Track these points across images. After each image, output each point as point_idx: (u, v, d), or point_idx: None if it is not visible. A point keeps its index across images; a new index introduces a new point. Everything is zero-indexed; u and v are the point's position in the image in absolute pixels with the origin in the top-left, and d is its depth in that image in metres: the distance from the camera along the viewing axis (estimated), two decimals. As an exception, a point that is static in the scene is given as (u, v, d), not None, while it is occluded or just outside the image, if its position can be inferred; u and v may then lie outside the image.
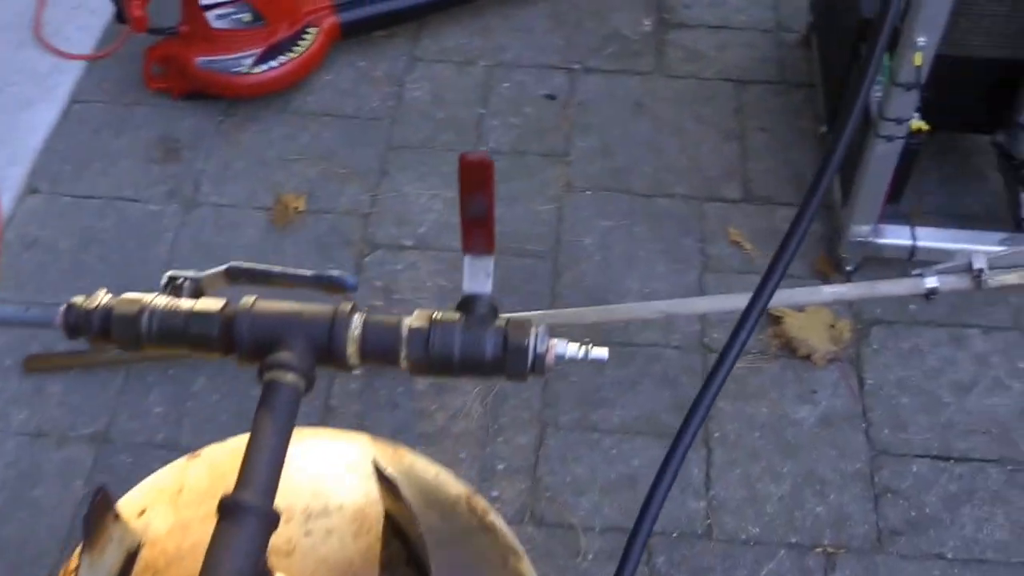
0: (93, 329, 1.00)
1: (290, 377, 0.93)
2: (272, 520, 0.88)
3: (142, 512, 1.18)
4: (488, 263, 1.00)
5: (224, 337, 0.98)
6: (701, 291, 2.82)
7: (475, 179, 0.95)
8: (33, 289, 2.83)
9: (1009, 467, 2.53)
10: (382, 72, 3.37)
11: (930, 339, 2.73)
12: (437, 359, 0.96)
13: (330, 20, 3.27)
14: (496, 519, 1.25)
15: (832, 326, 2.72)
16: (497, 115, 3.26)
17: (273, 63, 3.15)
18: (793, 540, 2.43)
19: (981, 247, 2.65)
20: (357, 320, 0.97)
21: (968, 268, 2.43)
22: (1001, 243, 2.67)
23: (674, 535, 2.41)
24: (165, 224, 2.98)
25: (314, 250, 2.90)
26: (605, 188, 3.05)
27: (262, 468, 0.89)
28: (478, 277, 1.00)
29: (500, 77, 3.37)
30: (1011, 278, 2.43)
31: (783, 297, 2.48)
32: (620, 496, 2.48)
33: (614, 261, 2.88)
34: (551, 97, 3.31)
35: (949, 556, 2.41)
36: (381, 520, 1.17)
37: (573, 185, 3.05)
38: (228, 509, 0.86)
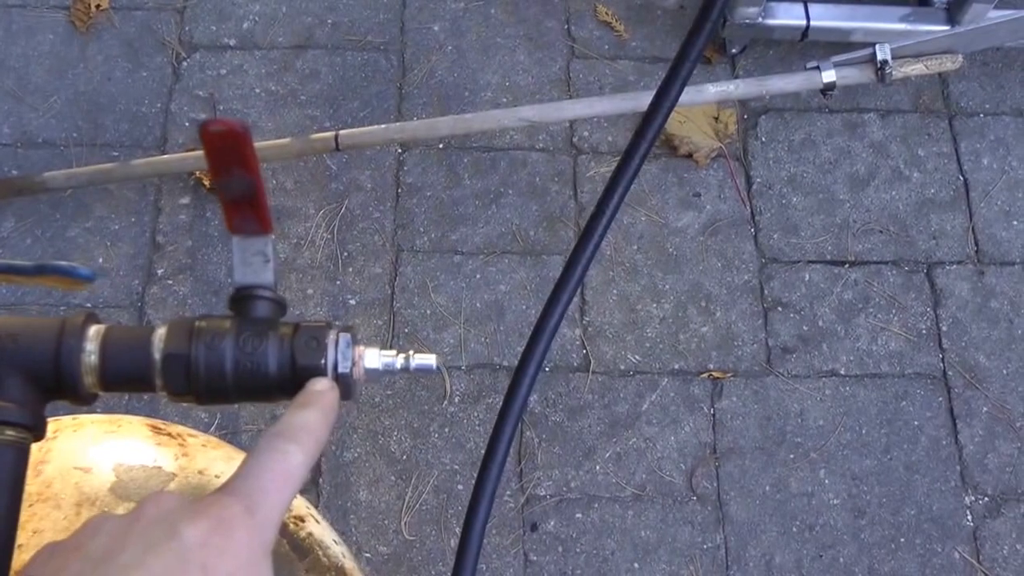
0: None
1: (9, 435, 0.66)
2: None
3: None
4: (265, 244, 0.72)
5: None
6: (568, 82, 2.49)
7: (227, 154, 0.67)
8: None
9: (906, 268, 2.33)
10: None
11: (824, 128, 2.47)
12: (204, 386, 0.69)
13: None
14: (319, 531, 0.99)
15: (716, 118, 2.43)
16: None
17: None
18: (677, 366, 2.22)
19: (881, 25, 2.38)
20: (93, 340, 0.69)
21: (870, 59, 2.15)
22: (903, 20, 2.37)
23: (547, 369, 2.19)
24: (-60, 32, 2.53)
25: (123, 56, 2.49)
26: (456, -37, 2.65)
27: None
28: (253, 264, 0.72)
29: None
30: (917, 68, 2.17)
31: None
32: (486, 328, 2.23)
33: (468, 51, 2.52)
34: None
35: (842, 372, 2.24)
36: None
37: (419, -39, 2.64)
38: None
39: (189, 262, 2.28)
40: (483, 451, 2.13)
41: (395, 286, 2.26)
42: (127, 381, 0.69)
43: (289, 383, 0.69)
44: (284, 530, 0.98)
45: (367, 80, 2.46)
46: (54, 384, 0.68)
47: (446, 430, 2.15)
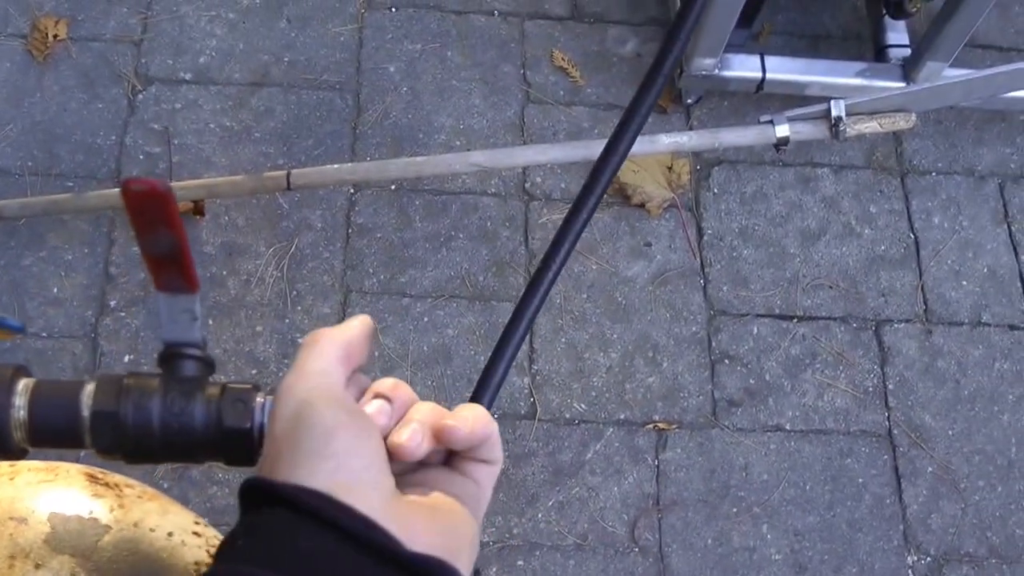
0: None
1: None
2: None
3: None
4: (192, 302, 0.70)
5: None
6: (523, 127, 2.49)
7: (150, 214, 0.65)
8: None
9: (854, 324, 2.34)
10: None
11: (776, 181, 2.48)
12: (133, 444, 0.68)
13: None
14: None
15: (669, 168, 2.44)
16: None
17: None
18: (622, 416, 2.21)
19: (837, 80, 2.40)
20: (22, 395, 0.67)
21: (825, 115, 2.16)
22: (859, 75, 2.39)
23: (495, 416, 2.17)
24: None
25: (80, 87, 2.47)
26: (412, 4, 2.63)
27: None
28: (180, 321, 0.71)
29: None
30: (871, 126, 2.17)
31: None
32: (433, 372, 2.22)
33: (423, 93, 2.52)
34: None
35: (787, 427, 2.23)
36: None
37: (375, 1, 2.63)
38: None
39: (142, 294, 2.26)
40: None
41: (342, 327, 2.24)
42: (56, 437, 0.68)
43: (215, 444, 0.68)
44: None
45: (322, 119, 2.46)
46: None
47: (388, 474, 2.13)
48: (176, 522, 1.01)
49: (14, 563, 0.91)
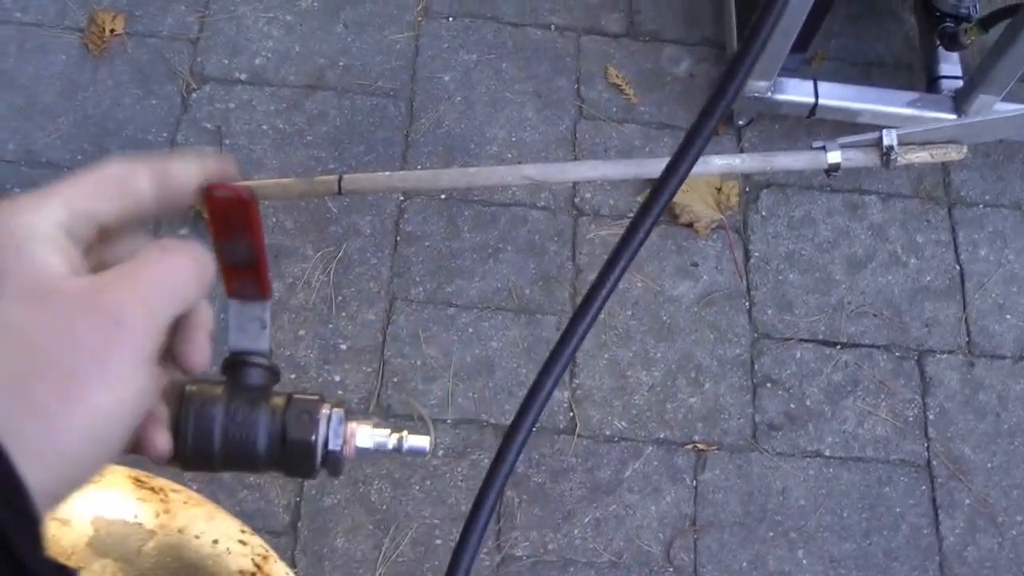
0: None
1: None
2: None
3: None
4: (263, 310, 0.70)
5: None
6: (574, 142, 2.50)
7: (231, 221, 0.64)
8: None
9: (897, 353, 2.34)
10: None
11: (824, 206, 2.48)
12: (191, 452, 0.66)
13: None
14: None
15: (718, 189, 2.44)
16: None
17: None
18: (662, 436, 2.22)
19: (888, 108, 2.40)
20: None
21: (877, 143, 2.15)
22: (910, 105, 2.39)
23: (533, 429, 2.17)
24: (-44, 46, 2.52)
25: (134, 82, 2.49)
26: (469, 14, 2.65)
27: None
28: (248, 330, 0.69)
29: None
30: (922, 156, 2.16)
31: (662, 166, 2.17)
32: (476, 383, 2.23)
33: (477, 103, 2.53)
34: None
35: (827, 453, 2.23)
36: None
37: (432, 10, 2.65)
38: None
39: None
40: (464, 507, 2.12)
41: (387, 334, 2.26)
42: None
43: (277, 456, 0.67)
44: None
45: (374, 125, 2.47)
46: None
47: (428, 483, 2.14)
48: (222, 529, 1.01)
49: None
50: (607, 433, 2.21)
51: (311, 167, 2.41)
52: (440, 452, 2.16)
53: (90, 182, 0.55)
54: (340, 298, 2.29)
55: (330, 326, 2.26)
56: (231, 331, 0.68)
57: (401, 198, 2.39)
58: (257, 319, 0.69)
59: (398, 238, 2.35)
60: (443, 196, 2.40)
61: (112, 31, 2.54)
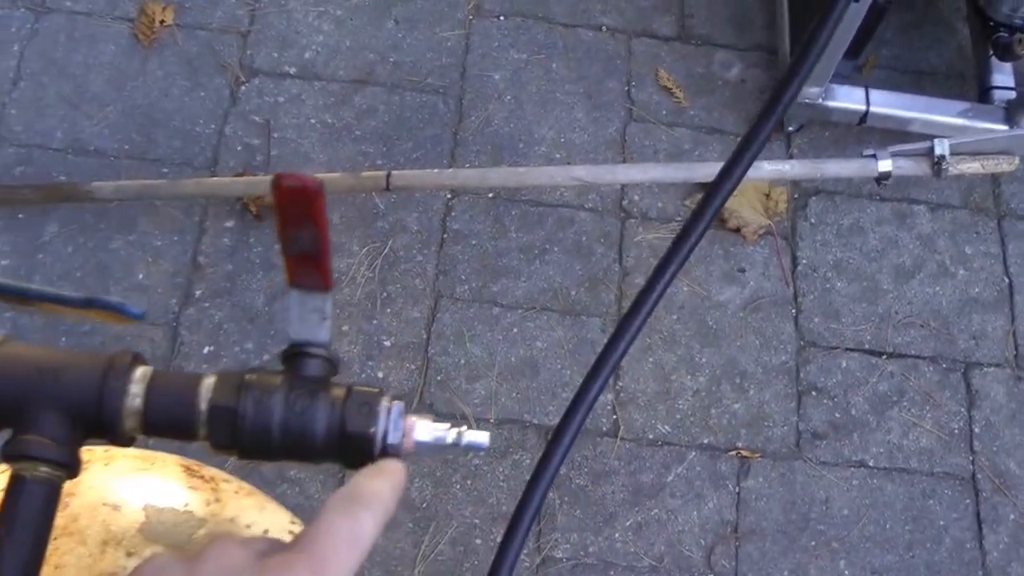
0: None
1: (42, 471, 0.64)
2: None
3: None
4: (324, 302, 0.70)
5: None
6: (623, 144, 2.49)
7: (298, 210, 0.64)
8: None
9: (944, 365, 2.32)
10: None
11: (873, 215, 2.46)
12: (249, 441, 0.67)
13: None
14: None
15: (767, 195, 2.43)
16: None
17: None
18: (706, 441, 2.21)
19: (939, 118, 2.38)
20: (139, 383, 0.67)
21: (928, 153, 2.15)
22: (961, 115, 2.38)
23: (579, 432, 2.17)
24: (12, 33, 2.53)
25: (183, 74, 2.50)
26: (520, 13, 2.64)
27: None
28: (309, 320, 0.70)
29: None
30: (973, 167, 2.16)
31: (712, 170, 2.17)
32: (519, 383, 2.22)
33: (527, 103, 2.53)
34: None
35: (871, 464, 2.22)
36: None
37: (484, 8, 2.64)
38: None
39: (228, 286, 2.28)
40: (505, 507, 2.11)
41: (431, 332, 2.25)
42: (169, 428, 0.68)
43: (335, 447, 0.67)
44: None
45: (423, 122, 2.47)
46: (93, 424, 0.67)
47: (469, 482, 2.14)
48: (273, 520, 1.01)
49: (106, 549, 0.91)
50: (650, 437, 2.20)
51: (358, 162, 2.41)
52: (482, 451, 2.15)
53: None
54: (385, 294, 2.28)
55: (374, 322, 2.26)
56: (291, 322, 0.69)
57: (448, 196, 2.39)
58: (318, 310, 0.69)
59: (445, 236, 2.35)
60: (491, 195, 2.39)
61: (162, 22, 2.55)
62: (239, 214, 2.34)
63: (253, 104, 2.47)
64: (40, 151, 2.40)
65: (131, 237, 2.32)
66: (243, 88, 2.49)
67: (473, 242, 2.35)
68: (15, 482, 0.64)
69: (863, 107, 2.39)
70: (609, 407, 2.21)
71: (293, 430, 0.66)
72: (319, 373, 0.69)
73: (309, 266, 0.67)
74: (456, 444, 0.70)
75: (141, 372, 0.67)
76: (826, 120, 2.47)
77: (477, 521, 2.11)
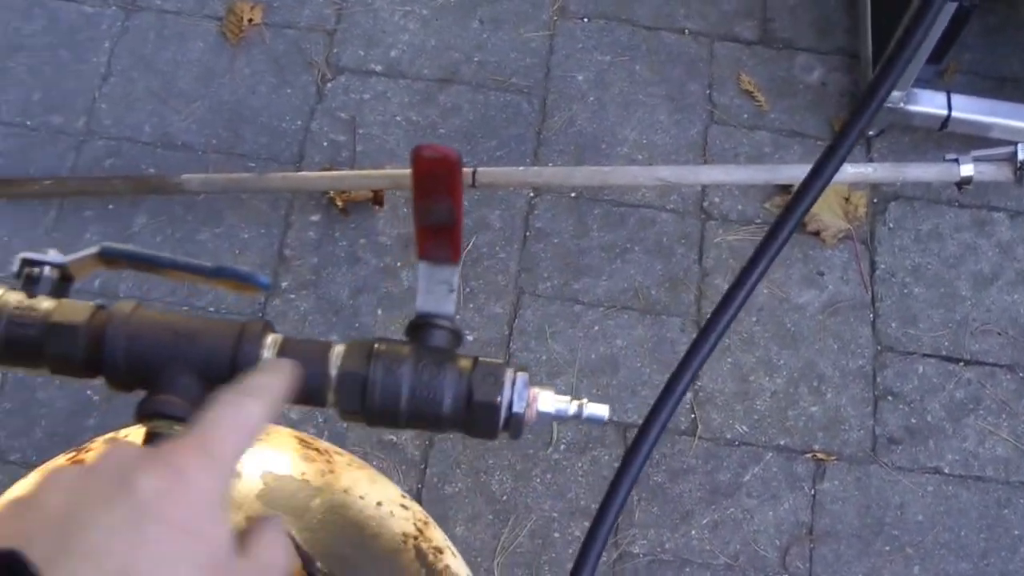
0: None
1: (176, 431, 0.68)
2: None
3: None
4: (451, 274, 0.73)
5: (91, 360, 0.70)
6: (705, 146, 2.51)
7: (435, 181, 0.67)
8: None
9: (1021, 374, 2.33)
10: None
11: (952, 221, 2.47)
12: (378, 410, 0.70)
13: None
14: (456, 565, 1.01)
15: (847, 199, 2.44)
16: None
17: None
18: (783, 442, 2.23)
19: (1021, 124, 2.39)
20: (271, 348, 0.71)
21: (1011, 158, 2.14)
22: (1046, 123, 2.38)
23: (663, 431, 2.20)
24: (103, 31, 2.59)
25: (270, 71, 2.55)
26: (604, 16, 2.67)
27: None
28: (437, 292, 0.73)
29: None
30: (1059, 175, 2.15)
31: (795, 172, 2.19)
32: (599, 381, 2.26)
33: (610, 104, 2.56)
34: None
35: (946, 470, 2.23)
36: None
37: (568, 10, 2.67)
38: None
39: (313, 279, 2.33)
40: (583, 502, 2.15)
41: (514, 328, 2.29)
42: (300, 394, 0.70)
43: (461, 416, 0.70)
44: (423, 559, 1.00)
45: (507, 121, 2.50)
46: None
47: (548, 476, 2.17)
48: (385, 493, 1.04)
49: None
50: (728, 436, 2.23)
51: (443, 160, 2.44)
52: (562, 447, 2.19)
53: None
54: (468, 290, 2.33)
55: (457, 317, 2.28)
56: (420, 294, 0.72)
57: (531, 194, 2.42)
58: (445, 282, 0.72)
59: (527, 233, 2.39)
60: (573, 194, 2.43)
61: (250, 20, 2.60)
62: (325, 208, 2.39)
63: (339, 101, 2.51)
64: (129, 144, 2.46)
65: (218, 229, 2.37)
66: (329, 85, 2.54)
67: (555, 240, 2.38)
68: (149, 440, 0.67)
69: (945, 112, 2.39)
70: (688, 406, 2.24)
71: (421, 398, 0.69)
72: (444, 344, 0.72)
73: (441, 238, 0.71)
74: (577, 415, 0.73)
75: (272, 338, 0.70)
76: (907, 125, 2.48)
77: (556, 515, 2.15)
